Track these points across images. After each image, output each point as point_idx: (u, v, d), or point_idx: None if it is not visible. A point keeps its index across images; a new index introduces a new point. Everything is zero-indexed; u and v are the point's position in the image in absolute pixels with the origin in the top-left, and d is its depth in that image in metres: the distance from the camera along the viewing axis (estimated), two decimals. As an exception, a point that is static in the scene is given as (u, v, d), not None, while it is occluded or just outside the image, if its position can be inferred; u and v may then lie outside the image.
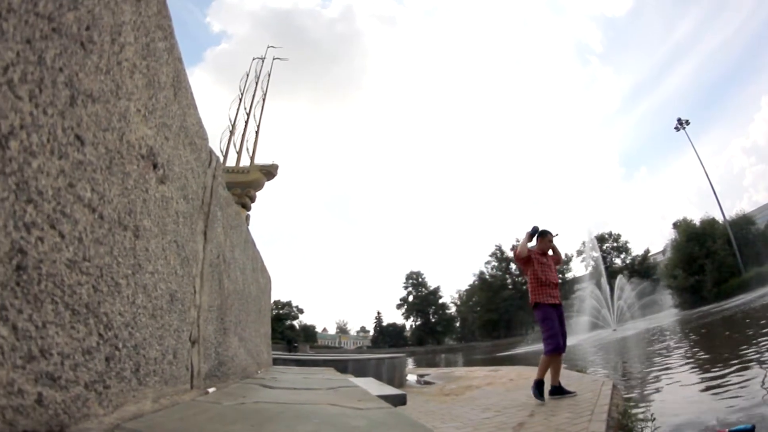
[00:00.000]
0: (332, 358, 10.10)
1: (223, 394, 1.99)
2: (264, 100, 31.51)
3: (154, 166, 1.38)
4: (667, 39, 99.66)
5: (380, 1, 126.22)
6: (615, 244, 63.59)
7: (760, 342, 9.51)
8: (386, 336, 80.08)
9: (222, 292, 2.45)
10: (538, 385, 5.47)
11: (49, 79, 0.84)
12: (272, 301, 7.68)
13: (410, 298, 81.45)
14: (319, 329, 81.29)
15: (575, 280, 55.31)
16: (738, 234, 36.57)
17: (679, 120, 44.38)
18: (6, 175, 0.74)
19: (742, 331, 13.28)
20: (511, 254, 72.73)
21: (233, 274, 2.81)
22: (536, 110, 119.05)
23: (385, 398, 2.39)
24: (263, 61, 32.72)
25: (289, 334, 64.48)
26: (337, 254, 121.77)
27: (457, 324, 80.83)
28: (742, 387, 5.69)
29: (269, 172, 27.69)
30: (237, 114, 30.33)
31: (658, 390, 6.80)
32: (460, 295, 79.99)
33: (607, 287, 41.25)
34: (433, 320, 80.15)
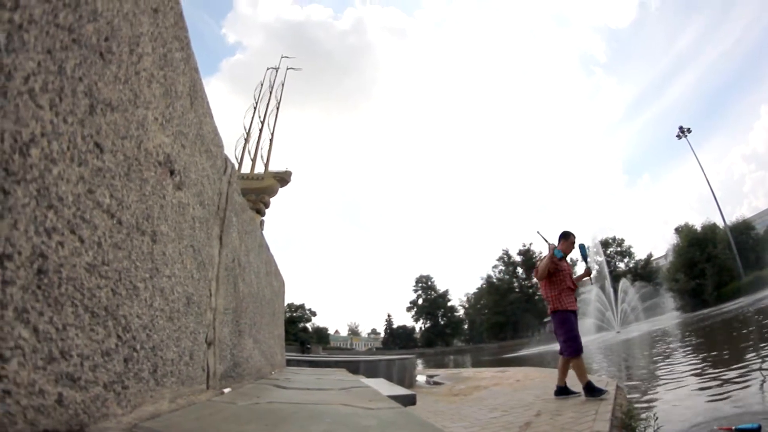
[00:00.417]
0: (344, 360, 10.07)
1: (238, 395, 1.98)
2: (278, 108, 31.60)
3: (171, 173, 1.37)
4: (670, 49, 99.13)
5: (391, 14, 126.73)
6: (619, 249, 63.32)
7: (760, 344, 9.38)
8: (396, 338, 79.90)
9: (237, 295, 2.44)
10: (590, 387, 5.22)
11: (69, 89, 0.84)
12: (286, 304, 7.68)
13: (420, 301, 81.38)
14: (331, 331, 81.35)
15: (580, 284, 54.71)
16: (738, 239, 36.23)
17: (680, 128, 44.03)
18: (27, 182, 0.74)
19: (743, 333, 13.13)
20: (518, 258, 72.50)
21: (248, 277, 2.80)
22: (542, 119, 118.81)
23: (396, 398, 2.37)
24: (277, 71, 32.84)
25: (302, 336, 64.33)
26: (349, 258, 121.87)
27: (466, 326, 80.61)
28: (744, 387, 5.59)
29: (283, 178, 27.74)
30: (252, 122, 30.42)
31: (661, 390, 6.71)
32: (468, 298, 79.95)
33: (611, 290, 40.89)
34: (442, 322, 79.98)
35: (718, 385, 6.03)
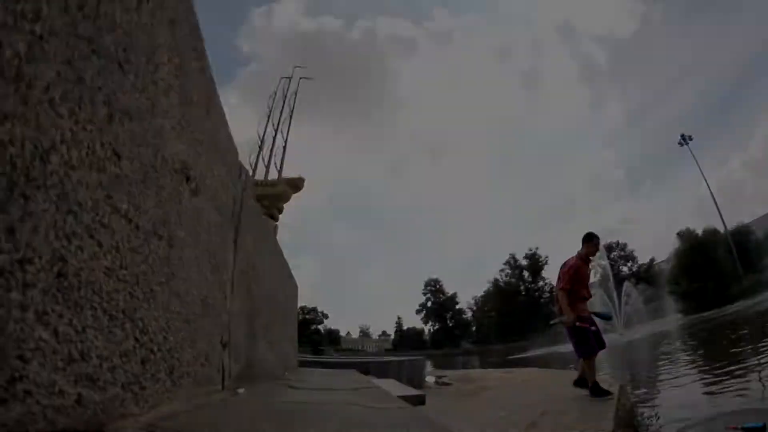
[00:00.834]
0: (355, 361, 10.03)
1: (252, 395, 1.97)
2: (291, 116, 31.75)
3: (187, 179, 1.37)
4: (672, 59, 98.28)
5: (400, 25, 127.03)
6: (622, 253, 62.87)
7: (759, 345, 9.27)
8: (406, 339, 79.57)
9: (251, 298, 2.44)
10: (596, 387, 5.17)
11: (88, 98, 0.84)
12: (299, 306, 7.68)
13: (429, 304, 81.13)
14: (342, 333, 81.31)
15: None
16: (738, 243, 35.91)
17: (682, 136, 43.74)
18: (47, 188, 0.73)
19: (743, 335, 12.97)
20: (524, 263, 72.21)
21: (262, 281, 2.80)
22: (548, 126, 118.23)
23: (405, 398, 2.35)
24: (290, 80, 32.96)
25: (314, 338, 64.40)
26: (360, 262, 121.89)
27: (473, 328, 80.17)
28: (744, 387, 5.52)
29: (296, 185, 27.74)
30: (265, 130, 30.49)
31: (663, 390, 6.64)
32: (476, 300, 79.51)
33: (614, 293, 40.56)
34: (450, 325, 79.67)
35: (718, 385, 5.96)
